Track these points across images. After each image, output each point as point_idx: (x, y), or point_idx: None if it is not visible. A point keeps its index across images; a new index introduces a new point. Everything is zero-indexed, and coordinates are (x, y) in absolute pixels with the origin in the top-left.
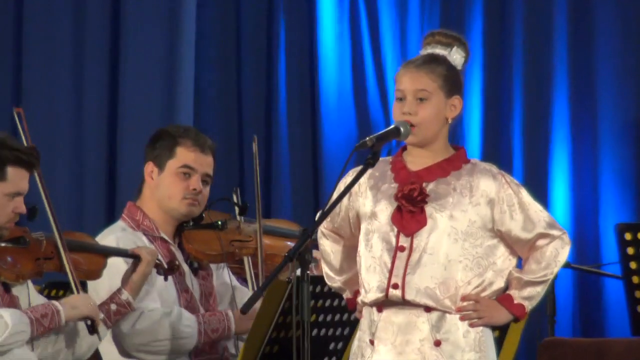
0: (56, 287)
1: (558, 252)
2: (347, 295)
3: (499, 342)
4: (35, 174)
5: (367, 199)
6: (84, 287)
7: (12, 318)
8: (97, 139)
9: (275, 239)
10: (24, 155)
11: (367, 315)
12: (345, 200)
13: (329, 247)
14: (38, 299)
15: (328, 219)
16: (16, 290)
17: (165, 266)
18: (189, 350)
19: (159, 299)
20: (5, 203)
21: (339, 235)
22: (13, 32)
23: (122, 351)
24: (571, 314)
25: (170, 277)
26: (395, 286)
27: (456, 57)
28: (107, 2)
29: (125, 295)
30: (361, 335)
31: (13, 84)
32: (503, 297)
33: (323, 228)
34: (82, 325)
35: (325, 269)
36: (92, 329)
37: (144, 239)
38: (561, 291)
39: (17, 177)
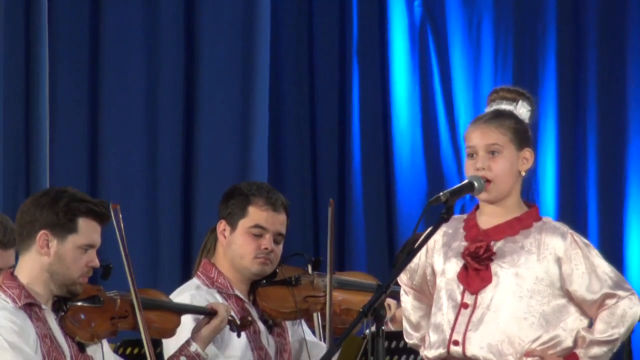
0: (131, 345)
1: (626, 312)
2: (422, 352)
3: None
4: (116, 231)
5: (440, 256)
6: (157, 345)
7: None
8: (172, 196)
9: (350, 292)
10: (94, 206)
11: None
12: (422, 257)
13: (409, 304)
14: (112, 359)
15: (408, 275)
16: (90, 350)
17: (238, 322)
18: None
19: (234, 356)
20: (78, 256)
21: (419, 292)
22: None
23: None
24: None
25: (244, 335)
26: (456, 343)
27: (522, 110)
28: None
29: (194, 347)
30: None
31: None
32: (569, 356)
33: (404, 284)
34: None
35: (405, 325)
36: None
37: (218, 296)
38: (638, 344)
39: (89, 229)
